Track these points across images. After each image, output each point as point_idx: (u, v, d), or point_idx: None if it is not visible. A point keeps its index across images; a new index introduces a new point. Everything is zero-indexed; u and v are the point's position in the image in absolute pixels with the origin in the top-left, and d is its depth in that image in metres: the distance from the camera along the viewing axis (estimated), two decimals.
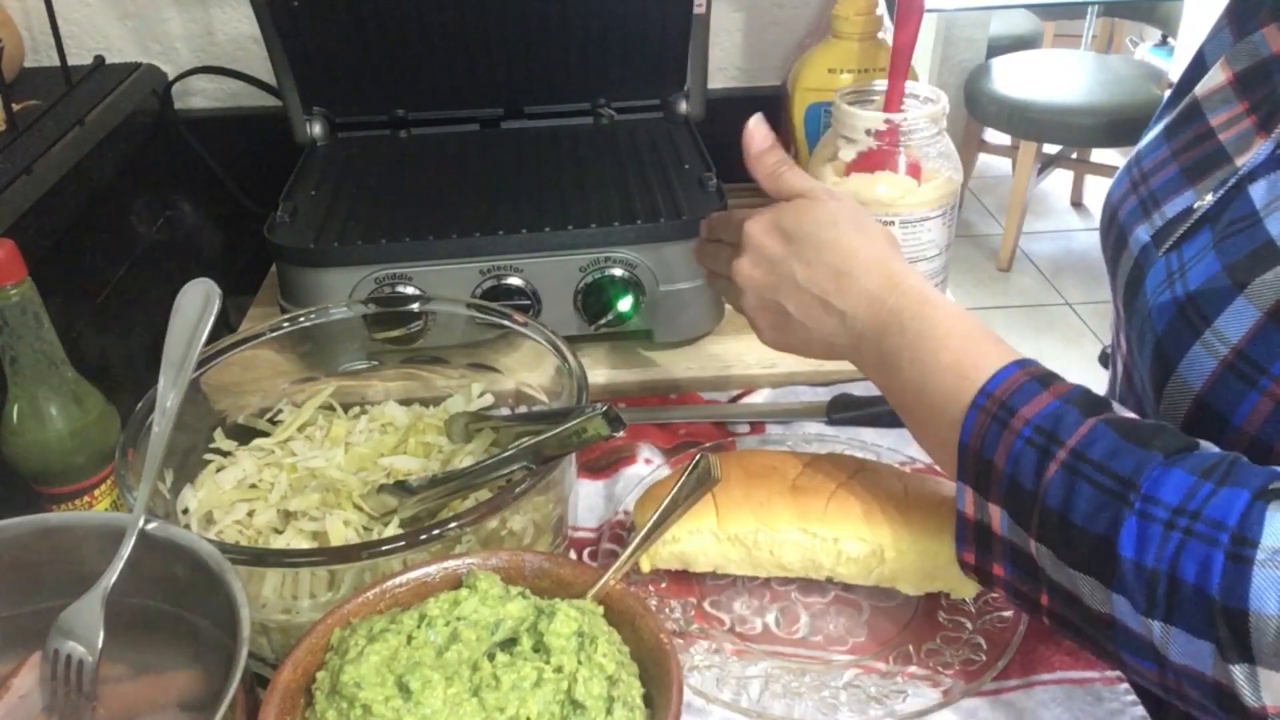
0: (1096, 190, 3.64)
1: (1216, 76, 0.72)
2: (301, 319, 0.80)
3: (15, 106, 0.94)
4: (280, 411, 0.80)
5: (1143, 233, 0.72)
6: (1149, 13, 3.63)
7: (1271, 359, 0.58)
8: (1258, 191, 0.62)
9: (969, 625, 0.69)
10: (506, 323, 0.78)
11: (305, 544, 0.68)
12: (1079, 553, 0.53)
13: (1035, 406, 0.56)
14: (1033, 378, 0.57)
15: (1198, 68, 0.76)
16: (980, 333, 0.62)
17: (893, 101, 0.92)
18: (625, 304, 0.91)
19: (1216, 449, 0.54)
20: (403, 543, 0.59)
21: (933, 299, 0.63)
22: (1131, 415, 0.56)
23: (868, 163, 0.93)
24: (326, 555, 0.64)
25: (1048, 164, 3.36)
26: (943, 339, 0.61)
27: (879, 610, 0.71)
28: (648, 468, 0.83)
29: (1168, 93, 0.82)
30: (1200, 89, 0.74)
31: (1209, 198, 0.66)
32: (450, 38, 1.05)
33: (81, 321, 0.91)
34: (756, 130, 0.71)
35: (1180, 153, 0.73)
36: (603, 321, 0.92)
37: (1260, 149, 0.64)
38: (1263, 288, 0.58)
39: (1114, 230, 0.77)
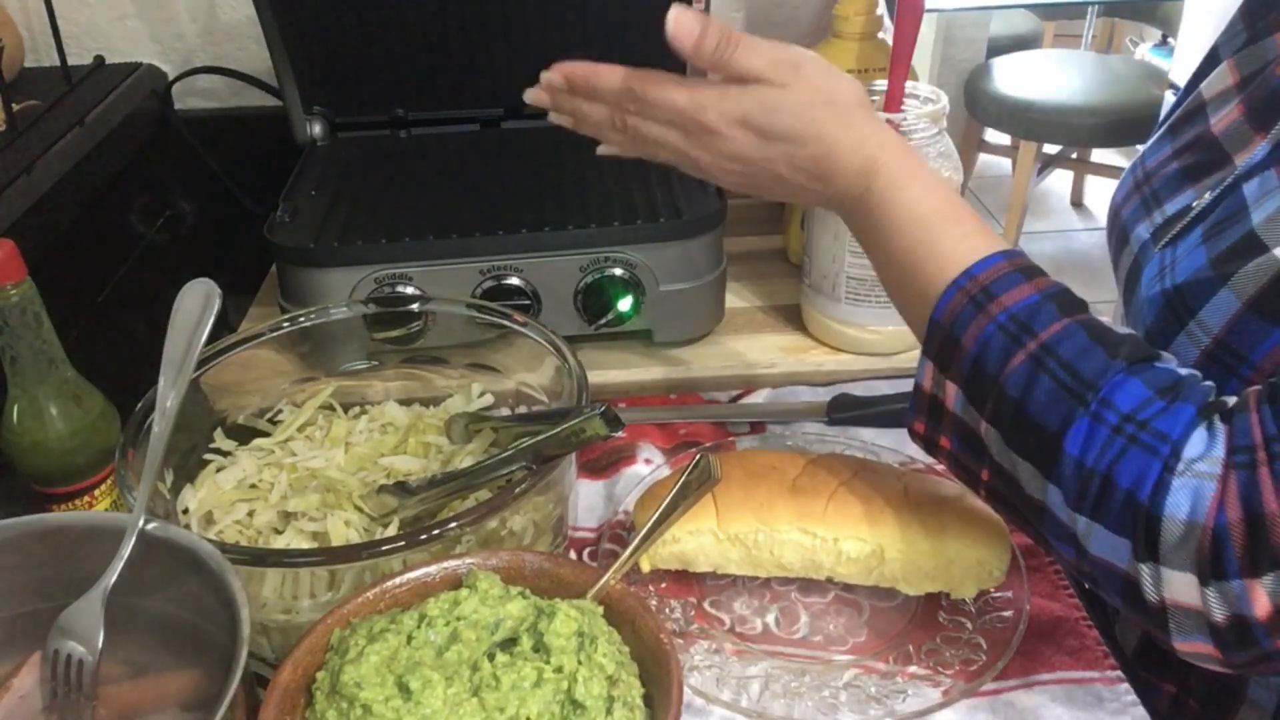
0: (1096, 190, 3.64)
1: (1224, 77, 0.72)
2: (301, 319, 0.80)
3: (15, 106, 0.94)
4: (280, 411, 0.80)
5: (1143, 230, 0.73)
6: (1149, 13, 3.62)
7: (1251, 347, 0.59)
8: (1250, 189, 0.63)
9: (969, 625, 0.68)
10: (506, 323, 0.78)
11: (305, 544, 0.68)
12: (1027, 441, 0.55)
13: (1015, 295, 0.57)
14: (1017, 269, 0.59)
15: (1210, 65, 0.76)
16: (960, 216, 0.62)
17: (893, 101, 0.92)
18: (625, 304, 0.91)
19: (1174, 364, 0.56)
20: (403, 543, 0.60)
21: (909, 184, 0.62)
22: (1105, 320, 0.58)
23: None
24: (326, 555, 0.64)
25: (1048, 164, 3.36)
26: (920, 222, 0.61)
27: (879, 610, 0.71)
28: (648, 468, 0.83)
29: (1169, 92, 0.82)
30: (1206, 88, 0.74)
31: (1207, 196, 0.67)
32: (450, 38, 1.05)
33: (81, 321, 0.91)
34: (681, 22, 0.62)
35: (1182, 152, 0.73)
36: (603, 321, 0.92)
37: (1258, 149, 0.65)
38: (1244, 278, 0.60)
39: (1117, 228, 0.77)
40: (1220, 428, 0.52)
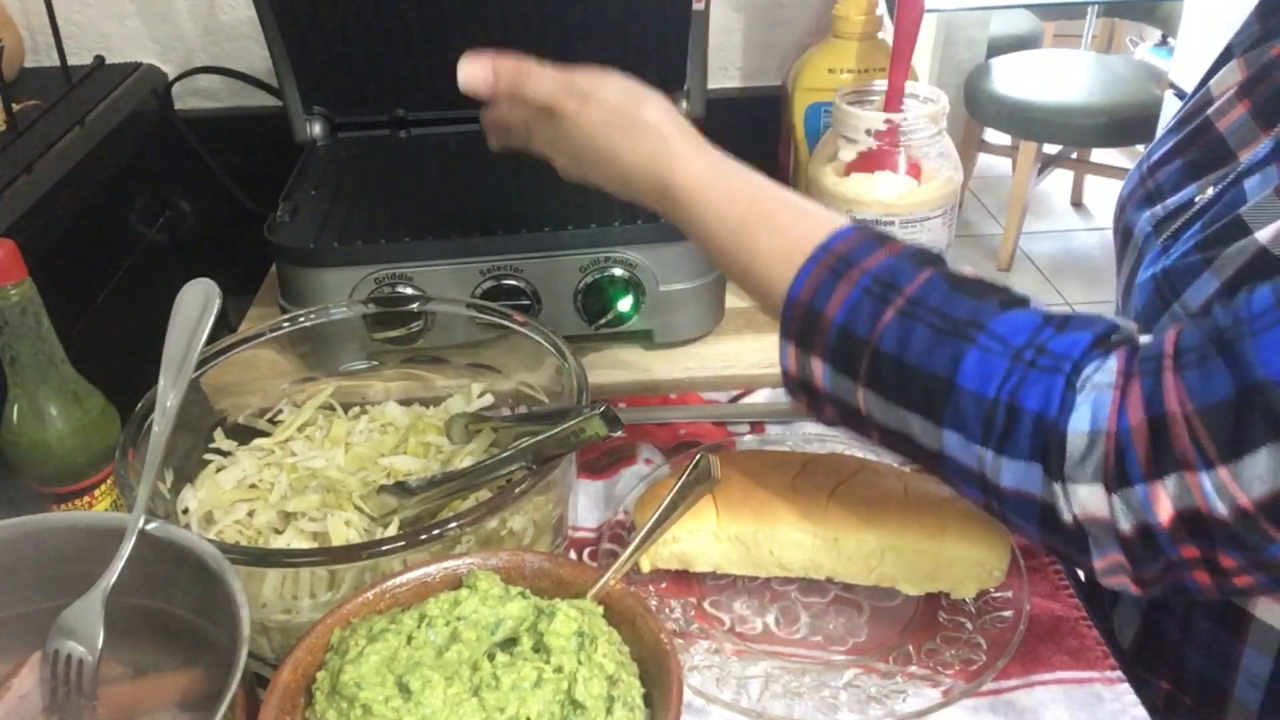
0: (1096, 190, 3.64)
1: (1233, 74, 0.73)
2: (301, 319, 0.80)
3: (15, 106, 0.94)
4: (280, 411, 0.80)
5: (1145, 224, 0.73)
6: (1149, 13, 3.62)
7: None
8: (1251, 184, 0.63)
9: (969, 625, 0.69)
10: (506, 323, 0.78)
11: (305, 544, 0.68)
12: (912, 392, 0.56)
13: (873, 260, 0.58)
14: (869, 237, 0.60)
15: (1223, 62, 0.76)
16: (773, 210, 0.62)
17: (893, 101, 0.92)
18: (625, 304, 0.91)
19: (1047, 306, 0.57)
20: (403, 543, 0.60)
21: (709, 194, 0.63)
22: (963, 270, 0.58)
23: (868, 163, 0.93)
24: (326, 555, 0.64)
25: (1048, 164, 3.36)
26: (733, 229, 0.63)
27: (879, 610, 0.71)
28: (648, 468, 0.83)
29: (1169, 92, 0.83)
30: (1215, 84, 0.74)
31: (1209, 192, 0.67)
32: (450, 38, 1.05)
33: (81, 321, 0.91)
34: (469, 72, 0.67)
35: (1186, 147, 0.73)
36: (603, 321, 0.92)
37: (1262, 145, 0.65)
38: (1224, 260, 0.60)
39: (1122, 223, 0.78)
40: (1117, 351, 0.53)
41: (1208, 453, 0.48)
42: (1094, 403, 0.51)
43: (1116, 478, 0.51)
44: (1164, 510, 0.50)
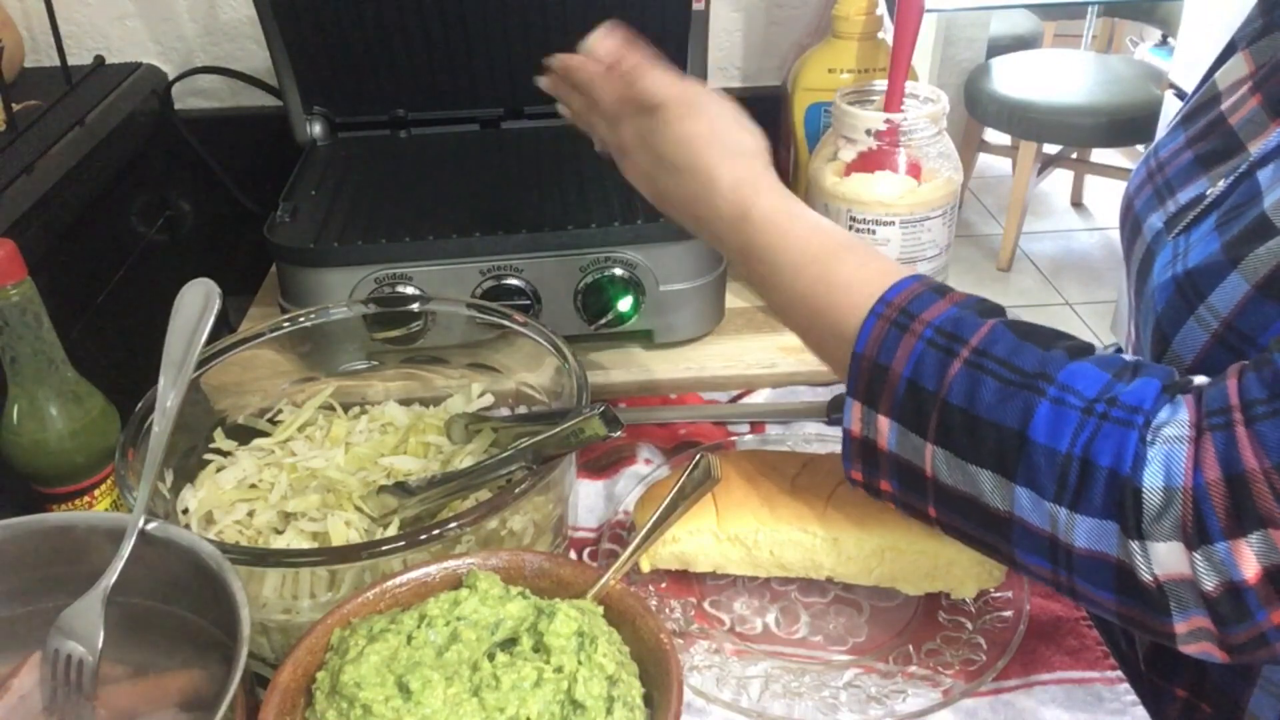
0: (1096, 190, 3.64)
1: (1240, 67, 0.72)
2: (301, 319, 0.80)
3: (15, 106, 0.94)
4: (280, 411, 0.80)
5: (1156, 219, 0.73)
6: (1149, 13, 3.62)
7: (1259, 330, 0.58)
8: (1265, 175, 0.63)
9: (969, 625, 0.69)
10: (506, 323, 0.78)
11: (305, 544, 0.68)
12: (984, 447, 0.54)
13: (935, 311, 0.57)
14: (929, 288, 0.59)
15: (1227, 55, 0.76)
16: (854, 246, 0.63)
17: (893, 101, 0.92)
18: (625, 304, 0.91)
19: (1115, 353, 0.56)
20: (403, 543, 0.60)
21: (793, 225, 0.63)
22: (1025, 320, 0.58)
23: (868, 163, 0.93)
24: (326, 555, 0.64)
25: (1048, 164, 3.36)
26: (814, 259, 0.62)
27: (879, 610, 0.71)
28: (648, 468, 0.83)
29: (1169, 92, 0.82)
30: (1222, 77, 0.74)
31: (1221, 184, 0.66)
32: (450, 38, 1.05)
33: (81, 321, 0.91)
34: (603, 38, 0.69)
35: (1196, 140, 0.73)
36: (603, 321, 0.92)
37: (1273, 135, 0.64)
38: (1255, 261, 0.59)
39: (1130, 218, 0.77)
40: (1183, 399, 0.51)
41: None
42: (1167, 457, 0.50)
43: (1196, 535, 0.49)
44: (1249, 567, 0.48)
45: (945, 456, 0.56)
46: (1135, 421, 0.51)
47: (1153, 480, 0.50)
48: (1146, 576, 0.51)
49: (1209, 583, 0.50)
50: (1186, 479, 0.49)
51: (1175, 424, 0.50)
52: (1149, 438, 0.50)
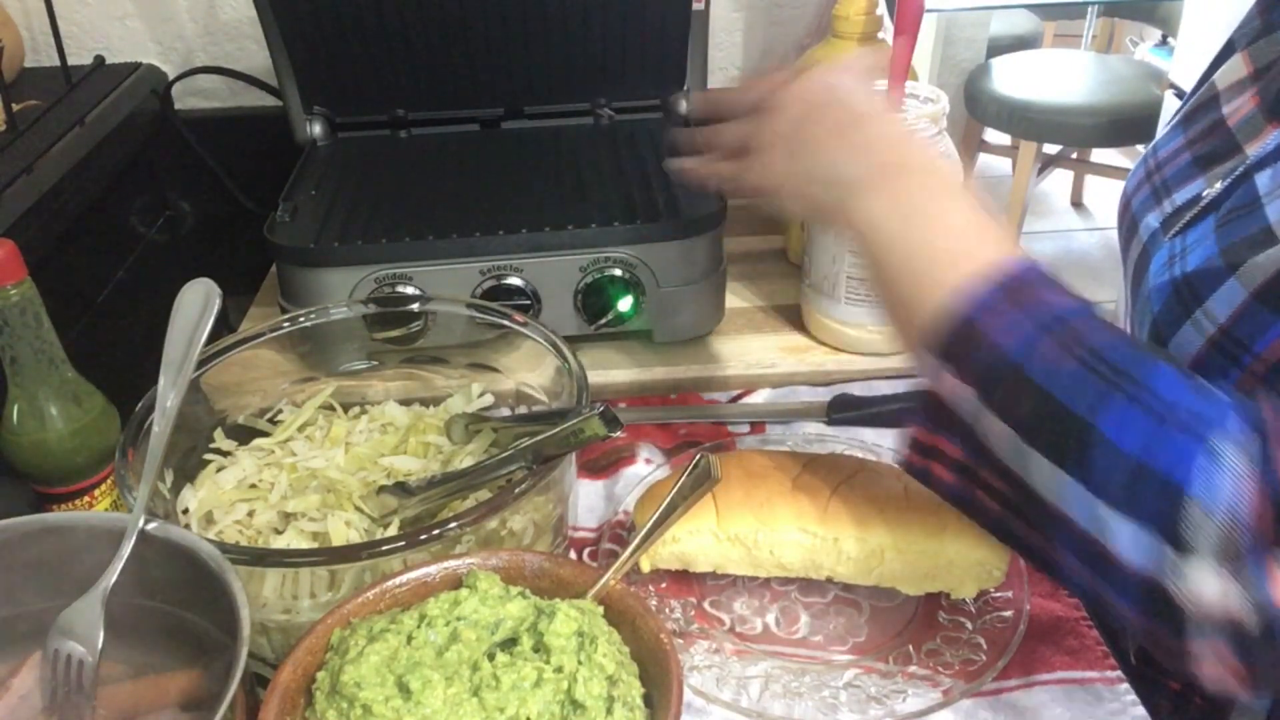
0: (1096, 190, 3.64)
1: (1238, 68, 0.72)
2: (301, 319, 0.80)
3: (15, 106, 0.94)
4: (280, 411, 0.80)
5: (1153, 219, 0.73)
6: (1149, 13, 3.62)
7: (1255, 337, 0.58)
8: (1263, 179, 0.63)
9: (969, 625, 0.69)
10: (506, 323, 0.78)
11: (305, 544, 0.68)
12: (1045, 427, 0.53)
13: (1047, 294, 0.56)
14: (1042, 273, 0.58)
15: (1225, 56, 0.76)
16: (985, 228, 0.63)
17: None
18: (625, 304, 0.91)
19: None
20: (403, 543, 0.60)
21: (936, 185, 0.64)
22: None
23: None
24: (326, 555, 0.64)
25: (1048, 164, 3.35)
26: (945, 228, 0.62)
27: (879, 610, 0.71)
28: (648, 468, 0.83)
29: (1169, 92, 0.82)
30: (1220, 78, 0.74)
31: (1218, 185, 0.66)
32: (450, 38, 1.05)
33: (81, 321, 0.91)
34: (755, 82, 0.68)
35: (1194, 142, 0.73)
36: (603, 321, 0.92)
37: (1270, 138, 0.65)
38: (1253, 269, 0.59)
39: (1127, 218, 0.77)
40: (1249, 419, 0.50)
41: None
42: (1222, 473, 0.49)
43: (1233, 558, 0.48)
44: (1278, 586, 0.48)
45: (1010, 436, 0.54)
46: (1200, 432, 0.49)
47: (1204, 495, 0.48)
48: (1175, 590, 0.50)
49: (1239, 607, 0.49)
50: (1233, 500, 0.48)
51: (1235, 443, 0.49)
52: (1210, 450, 0.49)
